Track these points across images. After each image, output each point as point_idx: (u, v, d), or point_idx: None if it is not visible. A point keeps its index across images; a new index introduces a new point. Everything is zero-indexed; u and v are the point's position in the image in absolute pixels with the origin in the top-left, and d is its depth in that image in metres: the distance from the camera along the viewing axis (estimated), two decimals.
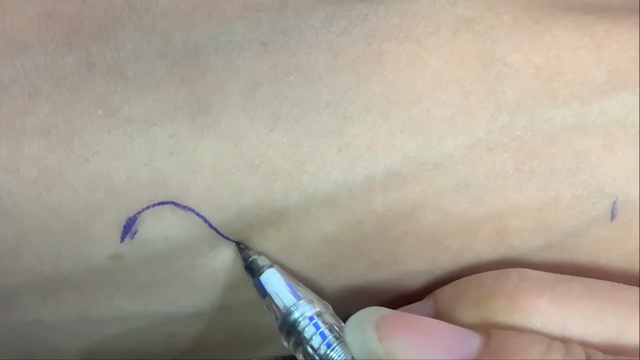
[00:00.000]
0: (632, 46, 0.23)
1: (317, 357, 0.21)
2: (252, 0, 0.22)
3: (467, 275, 0.24)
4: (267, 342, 0.26)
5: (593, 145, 0.23)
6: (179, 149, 0.22)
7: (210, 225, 0.22)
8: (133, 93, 0.22)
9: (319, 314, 0.22)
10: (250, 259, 0.23)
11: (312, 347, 0.21)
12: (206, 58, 0.22)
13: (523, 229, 0.23)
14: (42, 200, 0.22)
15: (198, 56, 0.22)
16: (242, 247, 0.23)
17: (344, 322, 0.21)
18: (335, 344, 0.21)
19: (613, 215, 0.23)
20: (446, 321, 0.21)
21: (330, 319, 0.22)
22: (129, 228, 0.22)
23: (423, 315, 0.22)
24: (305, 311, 0.22)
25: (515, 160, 0.22)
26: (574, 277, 0.22)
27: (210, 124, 0.22)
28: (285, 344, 0.22)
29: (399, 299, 0.24)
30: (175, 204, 0.22)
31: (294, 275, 0.23)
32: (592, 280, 0.22)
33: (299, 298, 0.22)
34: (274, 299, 0.22)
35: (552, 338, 0.21)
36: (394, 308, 0.23)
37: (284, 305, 0.22)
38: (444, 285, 0.24)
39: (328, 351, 0.21)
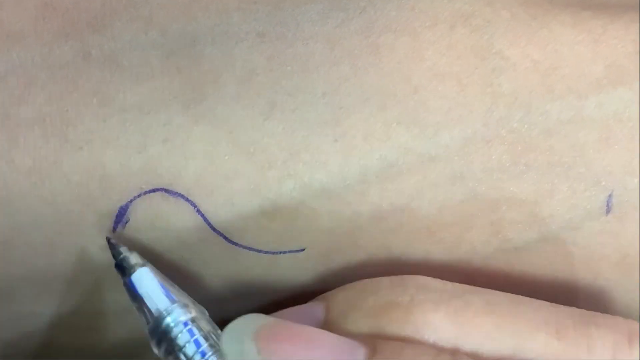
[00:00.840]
0: (629, 41, 0.23)
1: None
2: None
3: (461, 268, 0.24)
4: None
5: (589, 138, 0.22)
6: (172, 137, 0.22)
7: (199, 212, 0.22)
8: (128, 82, 0.22)
9: (193, 320, 0.20)
10: (122, 256, 0.21)
11: (185, 355, 0.20)
12: (202, 48, 0.22)
13: (518, 221, 0.23)
14: (36, 190, 0.22)
15: (194, 46, 0.22)
16: (112, 243, 0.22)
17: (221, 330, 0.20)
18: (210, 353, 0.20)
19: (608, 209, 0.23)
20: (336, 328, 0.21)
21: (206, 325, 0.21)
22: (120, 217, 0.22)
23: (313, 319, 0.22)
24: (179, 315, 0.20)
25: (512, 153, 0.22)
26: (474, 288, 0.22)
27: (204, 113, 0.22)
28: (155, 351, 0.21)
29: None
30: (166, 191, 0.22)
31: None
32: (491, 293, 0.22)
33: (173, 301, 0.21)
34: (146, 301, 0.21)
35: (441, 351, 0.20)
36: None
37: (157, 309, 0.20)
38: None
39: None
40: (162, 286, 0.21)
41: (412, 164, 0.22)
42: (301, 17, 0.22)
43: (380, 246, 0.23)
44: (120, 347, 0.26)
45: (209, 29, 0.22)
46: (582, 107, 0.22)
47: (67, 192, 0.22)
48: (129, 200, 0.22)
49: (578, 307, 0.22)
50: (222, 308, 0.24)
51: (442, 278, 0.24)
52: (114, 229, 0.22)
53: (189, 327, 0.20)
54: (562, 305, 0.22)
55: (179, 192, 0.22)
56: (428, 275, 0.24)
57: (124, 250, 0.22)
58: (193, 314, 0.21)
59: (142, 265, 0.21)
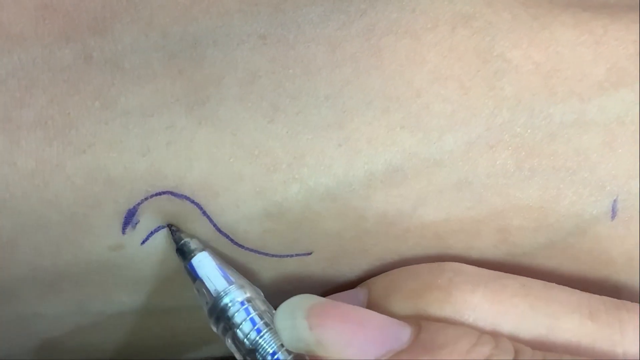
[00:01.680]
0: (631, 43, 0.22)
1: (246, 343, 0.21)
2: None
3: None
4: None
5: (593, 142, 0.22)
6: (176, 139, 0.21)
7: (205, 213, 0.22)
8: (130, 85, 0.21)
9: (249, 300, 0.21)
10: (182, 241, 0.22)
11: (242, 332, 0.21)
12: (204, 50, 0.22)
13: (525, 227, 0.23)
14: (39, 192, 0.21)
15: (196, 49, 0.22)
16: (173, 230, 0.22)
17: (275, 310, 0.21)
18: (265, 330, 0.21)
19: (614, 214, 0.23)
20: (379, 311, 0.21)
21: (262, 305, 0.22)
22: (129, 219, 0.22)
23: (356, 303, 0.22)
24: (236, 296, 0.21)
25: (516, 158, 0.22)
26: (508, 274, 0.22)
27: (207, 115, 0.21)
28: (214, 328, 0.22)
29: None
30: (172, 194, 0.22)
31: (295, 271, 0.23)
32: (525, 278, 0.22)
33: (230, 282, 0.21)
34: (205, 283, 0.22)
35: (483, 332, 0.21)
36: None
37: (215, 289, 0.21)
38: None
39: (257, 337, 0.21)
40: (220, 268, 0.22)
41: (417, 169, 0.22)
42: (302, 19, 0.22)
43: (390, 251, 0.23)
44: (124, 347, 0.26)
45: (210, 31, 0.22)
46: (585, 110, 0.22)
47: (70, 195, 0.21)
48: (136, 203, 0.22)
49: None
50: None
51: None
52: (124, 231, 0.22)
53: (245, 306, 0.21)
54: (591, 293, 0.22)
55: (184, 194, 0.22)
56: None
57: (184, 236, 0.22)
58: (249, 294, 0.21)
59: (202, 250, 0.22)
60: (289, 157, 0.22)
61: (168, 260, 0.23)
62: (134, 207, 0.22)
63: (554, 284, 0.22)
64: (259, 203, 0.22)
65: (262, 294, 0.22)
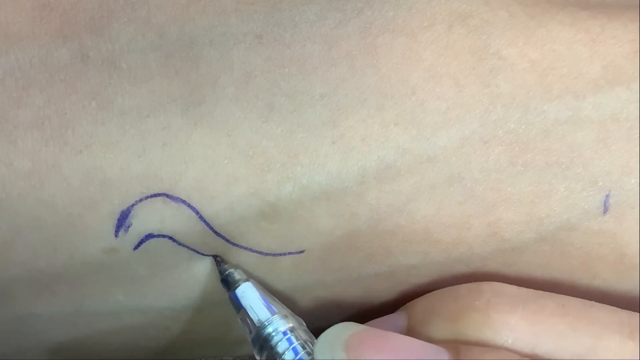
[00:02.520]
0: (627, 42, 0.22)
1: None
2: None
3: (458, 269, 0.23)
4: None
5: (587, 139, 0.22)
6: (171, 140, 0.21)
7: (201, 218, 0.22)
8: (127, 85, 0.21)
9: (292, 329, 0.22)
10: (227, 272, 0.23)
11: None
12: (200, 50, 0.22)
13: (515, 221, 0.23)
14: (35, 193, 0.21)
15: (192, 48, 0.22)
16: (218, 260, 0.23)
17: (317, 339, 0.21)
18: (308, 359, 0.21)
19: (605, 209, 0.23)
20: (418, 335, 0.21)
21: (304, 334, 0.22)
22: (122, 221, 0.22)
23: (395, 329, 0.22)
24: (279, 326, 0.22)
25: (509, 154, 0.22)
26: (547, 293, 0.22)
27: (203, 115, 0.21)
28: (257, 358, 0.22)
29: (392, 290, 0.24)
30: (168, 196, 0.22)
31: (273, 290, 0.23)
32: (564, 297, 0.22)
33: (273, 312, 0.22)
34: (249, 313, 0.22)
35: (523, 355, 0.20)
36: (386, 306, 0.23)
37: (258, 319, 0.22)
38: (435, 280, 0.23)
39: None
40: (263, 299, 0.22)
41: (410, 165, 0.22)
42: (298, 18, 0.22)
43: (379, 247, 0.23)
44: (120, 348, 0.26)
45: (207, 31, 0.22)
46: (580, 107, 0.22)
47: (66, 195, 0.21)
48: (130, 204, 0.22)
49: None
50: (222, 309, 0.24)
51: (441, 279, 0.24)
52: (116, 233, 0.22)
53: (288, 336, 0.21)
54: (628, 310, 0.22)
55: (180, 197, 0.22)
56: (426, 276, 0.24)
57: (228, 267, 0.23)
58: (291, 324, 0.22)
59: (245, 280, 0.22)
60: (283, 156, 0.22)
61: (162, 262, 0.23)
62: (128, 208, 0.22)
63: (594, 302, 0.22)
64: (254, 204, 0.22)
65: (304, 323, 0.22)
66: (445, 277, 0.24)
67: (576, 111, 0.22)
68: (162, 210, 0.22)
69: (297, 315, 0.22)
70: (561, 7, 0.23)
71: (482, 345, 0.21)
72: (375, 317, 0.23)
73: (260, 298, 0.22)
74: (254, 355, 0.27)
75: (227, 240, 0.22)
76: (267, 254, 0.23)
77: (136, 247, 0.22)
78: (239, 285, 0.22)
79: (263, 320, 0.22)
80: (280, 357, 0.21)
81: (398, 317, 0.23)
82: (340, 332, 0.20)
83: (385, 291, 0.24)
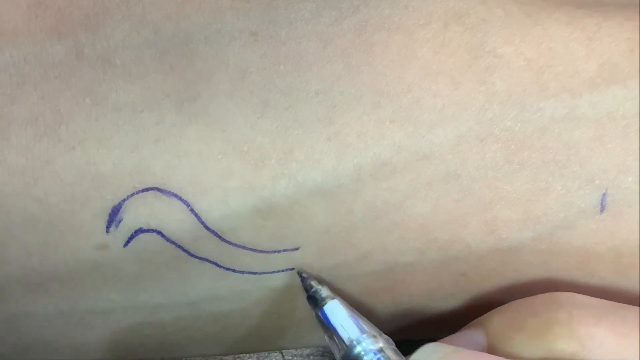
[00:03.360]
0: (623, 40, 0.22)
1: None
2: None
3: (456, 267, 0.23)
4: (255, 334, 0.25)
5: (583, 137, 0.22)
6: (165, 136, 0.21)
7: (192, 211, 0.22)
8: (121, 81, 0.21)
9: (382, 349, 0.21)
10: (313, 289, 0.23)
11: None
12: (195, 47, 0.22)
13: (512, 220, 0.22)
14: (29, 190, 0.21)
15: (187, 45, 0.22)
16: (304, 277, 0.23)
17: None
18: None
19: (602, 208, 0.22)
20: (502, 353, 0.21)
21: (393, 355, 0.21)
22: (114, 216, 0.22)
23: (474, 346, 0.22)
24: (369, 345, 0.21)
25: (506, 152, 0.22)
26: (624, 305, 0.22)
27: (197, 111, 0.21)
28: None
29: (391, 289, 0.24)
30: (159, 190, 0.21)
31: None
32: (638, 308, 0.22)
33: (363, 331, 0.22)
34: (338, 331, 0.22)
35: None
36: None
37: (348, 337, 0.21)
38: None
39: None
40: (353, 317, 0.22)
41: (406, 162, 0.22)
42: (294, 15, 0.22)
43: (375, 245, 0.23)
44: (115, 347, 0.25)
45: (202, 28, 0.22)
46: (576, 105, 0.22)
47: (59, 192, 0.21)
48: (122, 199, 0.21)
49: None
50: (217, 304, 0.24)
51: (437, 277, 0.24)
52: (107, 229, 0.22)
53: (378, 356, 0.21)
54: None
55: (172, 190, 0.21)
56: (423, 274, 0.23)
57: (314, 284, 0.23)
58: (381, 343, 0.21)
59: (332, 298, 0.22)
60: (278, 152, 0.21)
61: (153, 259, 0.22)
62: (119, 203, 0.21)
63: None
64: (248, 199, 0.22)
65: (393, 343, 0.22)
66: (444, 275, 0.23)
67: (572, 109, 0.22)
68: (153, 204, 0.21)
69: None
70: (557, 5, 0.22)
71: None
72: (372, 317, 0.23)
73: (349, 316, 0.22)
74: (255, 354, 0.27)
75: (219, 237, 0.22)
76: (260, 252, 0.23)
77: (126, 243, 0.22)
78: (326, 303, 0.22)
79: (353, 339, 0.21)
80: None
81: (475, 333, 0.22)
82: (432, 352, 0.20)
83: (381, 289, 0.24)
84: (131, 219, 0.22)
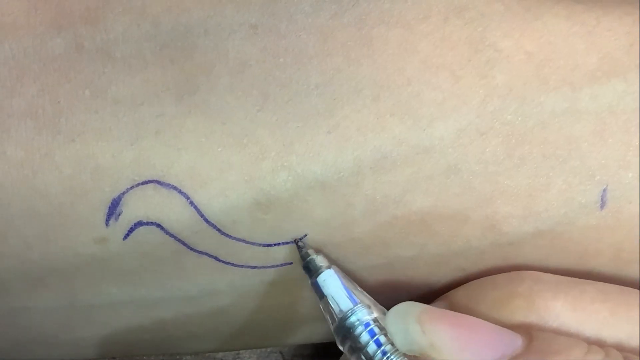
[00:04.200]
0: (623, 34, 0.22)
1: None
2: None
3: (456, 262, 0.23)
4: (255, 329, 0.25)
5: (584, 131, 0.22)
6: (165, 128, 0.21)
7: (192, 204, 0.21)
8: (121, 74, 0.21)
9: (375, 320, 0.21)
10: (309, 258, 0.22)
11: (367, 353, 0.21)
12: (195, 40, 0.21)
13: (513, 215, 0.22)
14: (28, 182, 0.21)
15: (187, 38, 0.21)
16: (300, 245, 0.22)
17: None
18: (391, 351, 0.20)
19: (603, 204, 0.22)
20: None
21: None
22: (113, 209, 0.21)
23: None
24: (362, 316, 0.21)
25: (506, 146, 0.22)
26: (585, 280, 0.22)
27: (197, 104, 0.21)
28: (340, 347, 0.21)
29: (391, 284, 0.24)
30: (159, 182, 0.21)
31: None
32: (602, 284, 0.22)
33: (355, 302, 0.21)
34: (330, 302, 0.21)
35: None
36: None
37: (340, 309, 0.21)
38: (453, 282, 0.23)
39: (383, 358, 0.20)
40: (346, 288, 0.22)
41: (406, 156, 0.21)
42: (294, 9, 0.22)
43: (376, 239, 0.22)
44: (115, 342, 0.25)
45: (202, 21, 0.22)
46: (577, 99, 0.22)
47: (59, 184, 0.21)
48: (121, 192, 0.21)
49: None
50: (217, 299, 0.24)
51: (438, 272, 0.23)
52: (107, 222, 0.21)
53: (371, 326, 0.21)
54: None
55: (171, 183, 0.21)
56: (424, 270, 0.23)
57: (311, 253, 0.22)
58: (375, 314, 0.21)
59: (328, 267, 0.22)
60: (277, 145, 0.21)
61: (152, 252, 0.22)
62: (119, 196, 0.21)
63: (632, 289, 0.22)
64: (248, 192, 0.21)
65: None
66: (444, 270, 0.23)
67: (573, 103, 0.22)
68: (153, 197, 0.21)
69: None
70: (556, 1, 0.22)
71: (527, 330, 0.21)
72: None
73: (342, 287, 0.21)
74: (255, 353, 0.27)
75: (219, 230, 0.22)
76: (260, 245, 0.22)
77: (126, 237, 0.22)
78: (321, 272, 0.22)
79: (345, 310, 0.21)
80: (364, 348, 0.21)
81: (438, 306, 0.23)
82: (411, 307, 0.20)
83: (381, 283, 0.24)
84: (131, 211, 0.21)
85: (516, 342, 0.20)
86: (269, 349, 0.32)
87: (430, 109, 0.21)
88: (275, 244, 0.22)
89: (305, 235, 0.22)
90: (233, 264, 0.23)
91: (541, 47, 0.22)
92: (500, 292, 0.22)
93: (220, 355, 0.31)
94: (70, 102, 0.21)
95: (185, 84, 0.21)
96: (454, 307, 0.22)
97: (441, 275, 0.23)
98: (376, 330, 0.21)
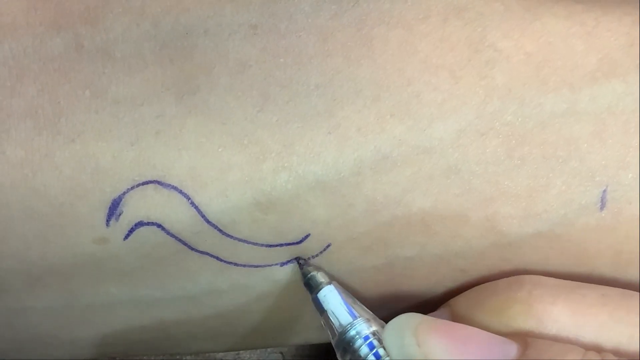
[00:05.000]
0: (622, 34, 0.22)
1: None
2: None
3: (456, 262, 0.23)
4: (257, 329, 0.25)
5: (583, 132, 0.22)
6: (165, 128, 0.21)
7: (192, 204, 0.21)
8: (121, 74, 0.21)
9: (374, 334, 0.21)
10: (309, 275, 0.22)
11: None
12: (195, 40, 0.21)
13: (513, 216, 0.22)
14: (28, 182, 0.21)
15: (187, 38, 0.21)
16: (301, 263, 0.23)
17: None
18: None
19: (602, 205, 0.22)
20: None
21: None
22: (114, 209, 0.21)
23: None
24: (361, 330, 0.21)
25: (506, 146, 0.22)
26: (585, 284, 0.22)
27: (197, 104, 0.21)
28: None
29: (391, 284, 0.24)
30: (159, 183, 0.21)
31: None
32: (603, 287, 0.22)
33: (354, 317, 0.22)
34: (330, 317, 0.22)
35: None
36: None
37: (340, 324, 0.22)
38: (457, 287, 0.23)
39: None
40: (345, 303, 0.22)
41: (406, 156, 0.21)
42: (294, 9, 0.22)
43: (376, 239, 0.22)
44: (115, 342, 0.25)
45: (202, 21, 0.21)
46: (576, 100, 0.22)
47: (59, 185, 0.21)
48: (122, 192, 0.21)
49: None
50: (217, 298, 0.24)
51: (438, 272, 0.23)
52: (107, 222, 0.21)
53: (370, 340, 0.21)
54: None
55: (172, 183, 0.21)
56: (424, 270, 0.23)
57: (311, 270, 0.23)
58: (374, 327, 0.22)
59: (328, 283, 0.22)
60: (278, 145, 0.21)
61: (153, 252, 0.22)
62: (119, 196, 0.21)
63: (633, 291, 0.22)
64: (248, 192, 0.21)
65: None
66: (444, 270, 0.23)
67: (572, 104, 0.22)
68: (153, 198, 0.21)
69: None
70: (555, 1, 0.22)
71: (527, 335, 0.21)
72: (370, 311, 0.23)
73: (342, 302, 0.22)
74: (255, 353, 0.26)
75: (220, 230, 0.22)
76: (261, 245, 0.22)
77: (126, 237, 0.22)
78: (321, 288, 0.22)
79: (344, 325, 0.22)
80: None
81: (441, 314, 0.23)
82: (410, 320, 0.21)
83: (381, 284, 0.24)
84: (131, 212, 0.21)
85: (511, 350, 0.20)
86: (269, 349, 0.32)
87: (430, 109, 0.21)
88: (276, 245, 0.22)
89: (308, 235, 0.22)
90: (235, 264, 0.23)
91: (540, 48, 0.22)
92: (499, 298, 0.22)
93: (220, 355, 0.31)
94: (70, 102, 0.21)
95: (185, 84, 0.21)
96: (455, 315, 0.22)
97: (441, 275, 0.23)
98: (375, 343, 0.21)
